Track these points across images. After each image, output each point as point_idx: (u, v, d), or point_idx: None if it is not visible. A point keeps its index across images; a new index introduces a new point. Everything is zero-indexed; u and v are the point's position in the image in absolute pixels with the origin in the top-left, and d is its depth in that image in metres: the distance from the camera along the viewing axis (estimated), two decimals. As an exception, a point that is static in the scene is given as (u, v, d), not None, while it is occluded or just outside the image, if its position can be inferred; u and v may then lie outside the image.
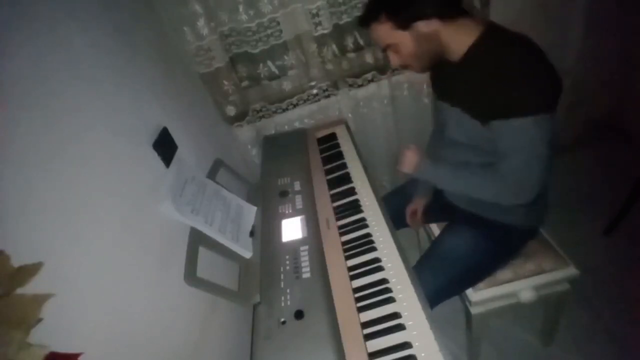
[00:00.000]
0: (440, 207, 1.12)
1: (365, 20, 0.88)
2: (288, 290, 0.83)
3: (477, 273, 1.02)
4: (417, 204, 1.18)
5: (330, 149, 1.33)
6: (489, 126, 0.82)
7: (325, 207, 1.06)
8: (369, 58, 1.44)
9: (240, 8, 1.23)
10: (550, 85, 0.76)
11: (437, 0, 0.81)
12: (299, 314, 0.78)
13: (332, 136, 1.39)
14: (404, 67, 0.93)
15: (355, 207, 1.07)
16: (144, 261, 0.72)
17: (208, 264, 0.85)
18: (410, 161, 0.99)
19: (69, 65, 0.65)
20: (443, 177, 0.96)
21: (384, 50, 0.91)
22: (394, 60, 0.91)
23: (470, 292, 1.04)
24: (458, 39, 0.83)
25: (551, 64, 0.76)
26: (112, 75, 0.77)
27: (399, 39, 0.85)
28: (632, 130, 1.85)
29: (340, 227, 1.02)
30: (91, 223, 0.60)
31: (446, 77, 0.94)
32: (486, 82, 0.79)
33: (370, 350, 0.74)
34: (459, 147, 0.95)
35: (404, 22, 0.83)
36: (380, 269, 0.89)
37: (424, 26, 0.82)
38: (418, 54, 0.87)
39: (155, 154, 0.84)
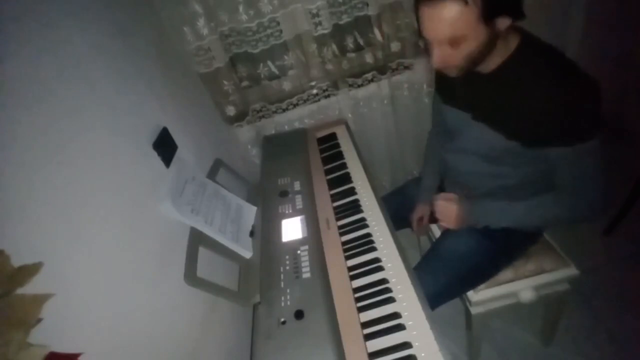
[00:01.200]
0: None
1: None
2: (288, 290, 0.83)
3: (478, 275, 1.02)
4: (423, 211, 1.16)
5: (330, 149, 1.33)
6: (535, 149, 0.79)
7: (325, 207, 1.06)
8: (369, 58, 1.44)
9: (240, 8, 1.23)
10: (598, 101, 0.72)
11: None
12: (299, 314, 0.78)
13: (332, 136, 1.39)
14: (445, 67, 0.79)
15: (355, 207, 1.07)
16: (144, 261, 0.72)
17: (208, 264, 0.85)
18: (449, 212, 0.92)
19: (69, 65, 0.65)
20: (496, 215, 0.90)
21: (432, 42, 0.74)
22: (444, 58, 0.75)
23: (470, 293, 1.03)
24: (500, 47, 0.76)
25: (592, 77, 0.73)
26: (112, 75, 0.77)
27: (473, 32, 0.69)
28: (632, 131, 1.85)
29: (340, 227, 1.02)
30: (91, 223, 0.60)
31: (468, 87, 0.86)
32: (527, 100, 0.74)
33: (370, 350, 0.74)
34: (471, 156, 0.93)
35: (492, 12, 0.68)
36: (380, 269, 0.89)
37: (501, 23, 0.70)
38: (475, 55, 0.74)
39: (155, 154, 0.84)
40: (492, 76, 0.80)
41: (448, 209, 0.93)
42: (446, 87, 0.99)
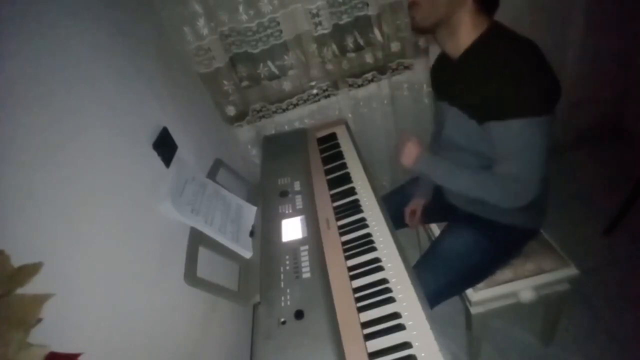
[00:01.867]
0: (441, 207, 1.12)
1: None
2: (288, 290, 0.83)
3: (477, 273, 1.02)
4: (416, 204, 1.18)
5: (330, 149, 1.33)
6: (485, 127, 0.82)
7: (325, 207, 1.06)
8: (369, 58, 1.44)
9: (240, 8, 1.24)
10: (549, 89, 0.76)
11: None
12: (299, 314, 0.78)
13: (332, 136, 1.39)
14: (412, 4, 0.84)
15: (355, 207, 1.07)
16: (144, 261, 0.72)
17: (208, 264, 0.85)
18: (410, 153, 0.98)
19: (69, 65, 0.65)
20: (442, 173, 0.94)
21: None
22: (413, 11, 0.84)
23: (470, 292, 1.04)
24: (466, 30, 0.82)
25: (551, 68, 0.76)
26: (112, 75, 0.77)
27: None
28: (632, 131, 1.86)
29: (340, 227, 1.02)
30: (91, 223, 0.60)
31: (445, 75, 0.94)
32: (484, 80, 0.79)
33: (370, 350, 0.74)
34: (456, 147, 0.95)
35: None
36: (380, 269, 0.89)
37: None
38: (436, 2, 0.80)
39: (155, 154, 0.84)
40: (459, 60, 0.86)
41: (411, 149, 0.98)
42: (435, 81, 1.05)
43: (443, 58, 0.96)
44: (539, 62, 0.76)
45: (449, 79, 0.93)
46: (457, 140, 0.94)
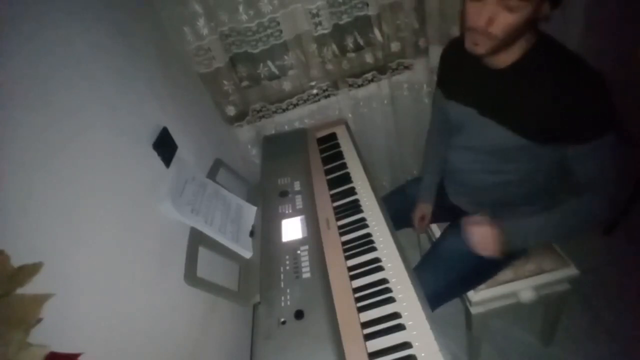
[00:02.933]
0: (443, 208, 1.12)
1: None
2: (288, 290, 0.83)
3: (479, 275, 1.02)
4: (425, 210, 1.16)
5: (330, 149, 1.33)
6: (552, 147, 0.79)
7: (325, 207, 1.06)
8: (369, 58, 1.44)
9: (240, 8, 1.23)
10: (609, 98, 0.74)
11: None
12: (299, 314, 0.78)
13: (332, 136, 1.39)
14: (480, 35, 0.74)
15: (355, 207, 1.07)
16: (144, 261, 0.72)
17: (208, 264, 0.85)
18: (488, 240, 0.85)
19: (69, 65, 0.65)
20: (530, 233, 0.85)
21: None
22: (490, 20, 0.71)
23: (470, 292, 1.03)
24: (520, 42, 0.75)
25: (598, 73, 0.73)
26: (112, 75, 0.77)
27: (529, 2, 0.67)
28: (632, 131, 1.85)
29: (340, 227, 1.02)
30: (91, 223, 0.60)
31: (476, 82, 0.86)
32: (548, 102, 0.74)
33: (370, 350, 0.74)
34: (475, 153, 0.93)
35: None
36: (380, 269, 0.89)
37: (545, 8, 0.70)
38: (509, 33, 0.72)
39: (155, 154, 0.84)
40: (505, 72, 0.79)
41: (486, 236, 0.85)
42: (450, 82, 0.98)
43: (463, 58, 0.83)
44: (596, 74, 0.72)
45: (482, 87, 0.85)
46: (480, 146, 0.90)
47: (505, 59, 0.79)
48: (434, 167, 1.16)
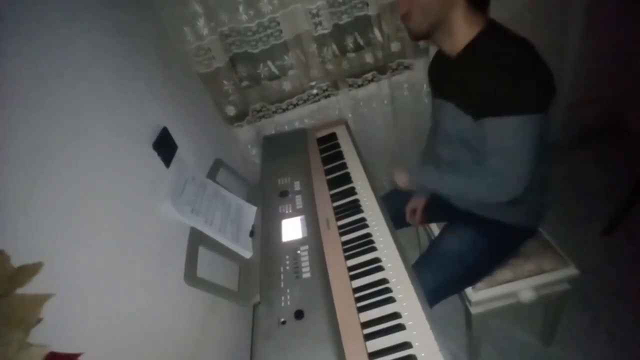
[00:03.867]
0: (440, 207, 1.12)
1: None
2: (288, 290, 0.83)
3: (476, 272, 1.02)
4: (417, 203, 1.18)
5: (330, 149, 1.33)
6: (479, 123, 0.83)
7: (325, 207, 1.06)
8: (369, 58, 1.44)
9: (240, 8, 1.24)
10: (543, 87, 0.77)
11: None
12: (299, 314, 0.78)
13: (332, 136, 1.39)
14: (405, 15, 0.86)
15: (355, 207, 1.07)
16: (144, 261, 0.72)
17: (208, 264, 0.85)
18: (402, 180, 1.08)
19: (69, 65, 0.65)
20: (435, 182, 0.99)
21: None
22: (403, 5, 0.85)
23: (470, 292, 1.04)
24: (462, 30, 0.83)
25: (547, 67, 0.78)
26: (112, 76, 0.77)
27: None
28: (632, 131, 1.86)
29: (340, 227, 1.02)
30: (91, 223, 0.60)
31: (442, 73, 0.96)
32: (480, 77, 0.80)
33: (370, 350, 0.74)
34: (453, 143, 0.96)
35: None
36: (380, 269, 0.89)
37: None
38: (427, 9, 0.82)
39: (155, 154, 0.84)
40: (457, 59, 0.87)
41: (401, 178, 1.09)
42: (433, 79, 1.07)
43: (440, 57, 0.97)
44: (534, 59, 0.77)
45: (445, 76, 0.94)
46: (452, 136, 0.95)
47: (453, 46, 0.86)
48: (430, 163, 1.17)
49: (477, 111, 0.83)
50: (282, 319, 0.78)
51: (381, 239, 0.96)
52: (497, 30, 0.83)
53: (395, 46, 1.44)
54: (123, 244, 0.66)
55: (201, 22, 1.21)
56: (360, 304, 0.83)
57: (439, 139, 1.03)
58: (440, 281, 0.96)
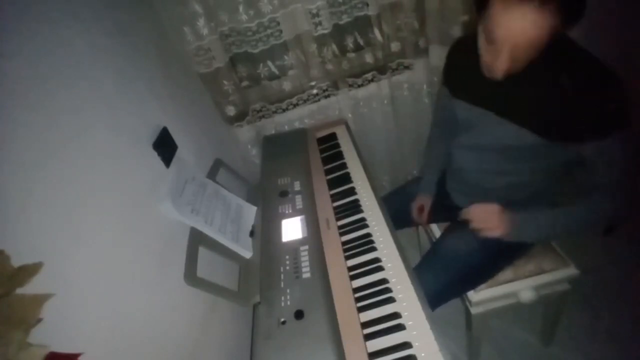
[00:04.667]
0: (443, 207, 1.12)
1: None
2: (288, 290, 0.83)
3: (479, 274, 1.01)
4: (424, 200, 1.16)
5: (330, 149, 1.33)
6: (562, 144, 0.78)
7: (325, 207, 1.06)
8: (369, 58, 1.44)
9: (240, 8, 1.23)
10: (624, 92, 0.74)
11: None
12: (299, 314, 0.78)
13: (332, 136, 1.39)
14: (509, 69, 0.74)
15: (355, 207, 1.07)
16: (144, 261, 0.72)
17: (208, 264, 0.85)
18: (490, 215, 0.86)
19: (69, 65, 0.65)
20: (543, 224, 0.85)
21: (501, 44, 0.69)
22: (508, 62, 0.71)
23: (470, 292, 1.03)
24: None
25: (611, 69, 0.75)
26: (112, 75, 0.77)
27: (547, 39, 0.68)
28: (632, 130, 1.85)
29: (340, 227, 1.02)
30: (91, 223, 0.60)
31: (490, 82, 0.80)
32: (565, 100, 0.74)
33: (370, 350, 0.74)
34: (483, 152, 0.92)
35: (570, 21, 0.70)
36: (380, 269, 0.89)
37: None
38: (534, 51, 0.70)
39: (155, 154, 0.84)
40: (521, 72, 0.75)
41: (491, 213, 0.86)
42: (457, 81, 0.98)
43: (472, 58, 0.82)
44: (609, 70, 0.73)
45: (496, 87, 0.80)
46: (491, 145, 0.89)
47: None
48: (435, 163, 1.16)
49: (565, 135, 0.77)
50: (282, 319, 0.78)
51: (381, 239, 0.96)
52: (563, 40, 0.74)
53: (395, 46, 1.44)
54: (123, 244, 0.66)
55: (201, 22, 1.20)
56: (360, 304, 0.83)
57: (460, 143, 0.99)
58: (443, 283, 0.96)
